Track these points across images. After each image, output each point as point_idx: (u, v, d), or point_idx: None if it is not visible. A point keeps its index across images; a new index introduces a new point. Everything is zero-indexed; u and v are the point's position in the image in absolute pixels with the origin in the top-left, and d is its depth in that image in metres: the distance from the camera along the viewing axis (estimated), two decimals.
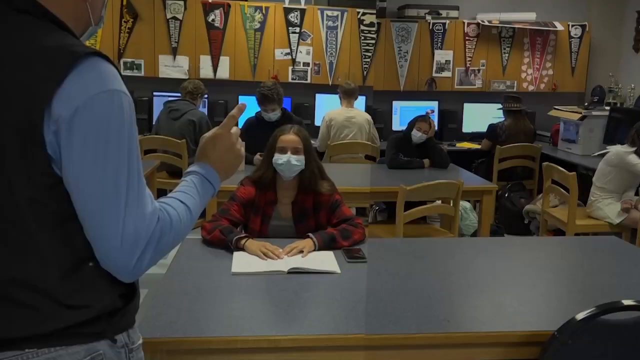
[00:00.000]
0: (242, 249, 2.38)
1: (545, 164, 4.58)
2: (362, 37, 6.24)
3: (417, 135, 4.51)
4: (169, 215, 1.13)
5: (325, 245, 2.43)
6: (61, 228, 1.07)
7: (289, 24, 6.08)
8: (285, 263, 2.24)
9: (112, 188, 1.04)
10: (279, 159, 2.62)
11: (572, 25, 6.63)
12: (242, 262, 2.26)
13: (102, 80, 1.05)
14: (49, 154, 1.03)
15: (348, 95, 5.31)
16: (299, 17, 6.07)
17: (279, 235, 2.62)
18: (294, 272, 2.17)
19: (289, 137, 2.66)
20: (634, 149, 4.17)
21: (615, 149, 4.31)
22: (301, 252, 2.36)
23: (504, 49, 6.56)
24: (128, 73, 5.90)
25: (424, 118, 4.54)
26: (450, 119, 6.51)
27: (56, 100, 1.01)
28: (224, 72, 6.06)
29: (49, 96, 1.01)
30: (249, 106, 6.13)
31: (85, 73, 1.03)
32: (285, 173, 2.62)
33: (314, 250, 2.40)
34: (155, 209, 1.11)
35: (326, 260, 2.30)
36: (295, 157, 2.62)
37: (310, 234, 2.46)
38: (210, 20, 5.97)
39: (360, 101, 6.02)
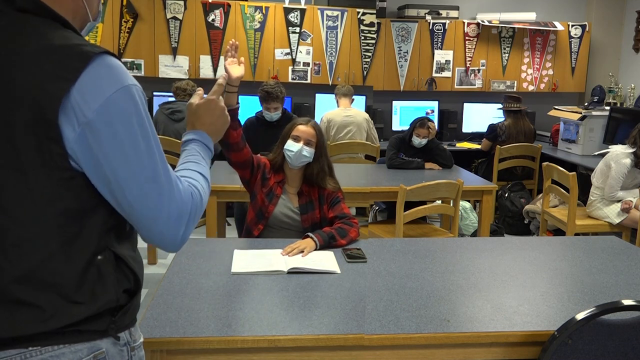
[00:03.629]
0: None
1: (545, 164, 4.58)
2: (362, 37, 6.24)
3: (417, 141, 4.51)
4: (198, 188, 1.24)
5: (325, 244, 2.45)
6: (75, 224, 1.08)
7: (289, 23, 6.08)
8: (285, 263, 2.25)
9: (151, 173, 1.11)
10: (291, 145, 2.67)
11: (572, 25, 6.63)
12: (242, 262, 2.26)
13: (115, 78, 1.08)
14: (67, 150, 1.05)
15: (345, 96, 5.33)
16: (299, 17, 6.07)
17: (283, 224, 2.67)
18: (294, 272, 2.17)
19: (306, 128, 2.72)
20: (634, 149, 4.17)
21: (614, 149, 4.31)
22: (301, 252, 2.36)
23: (504, 49, 6.56)
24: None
25: (422, 123, 4.47)
26: (450, 119, 6.52)
27: (73, 101, 1.04)
28: (224, 72, 6.05)
29: (62, 95, 1.03)
30: (250, 106, 6.13)
31: (98, 73, 1.06)
32: (292, 161, 2.67)
33: (316, 249, 2.41)
34: (185, 184, 1.20)
35: (326, 260, 2.30)
36: (307, 148, 2.67)
37: (310, 234, 2.47)
38: (210, 20, 5.97)
39: (360, 101, 6.03)
